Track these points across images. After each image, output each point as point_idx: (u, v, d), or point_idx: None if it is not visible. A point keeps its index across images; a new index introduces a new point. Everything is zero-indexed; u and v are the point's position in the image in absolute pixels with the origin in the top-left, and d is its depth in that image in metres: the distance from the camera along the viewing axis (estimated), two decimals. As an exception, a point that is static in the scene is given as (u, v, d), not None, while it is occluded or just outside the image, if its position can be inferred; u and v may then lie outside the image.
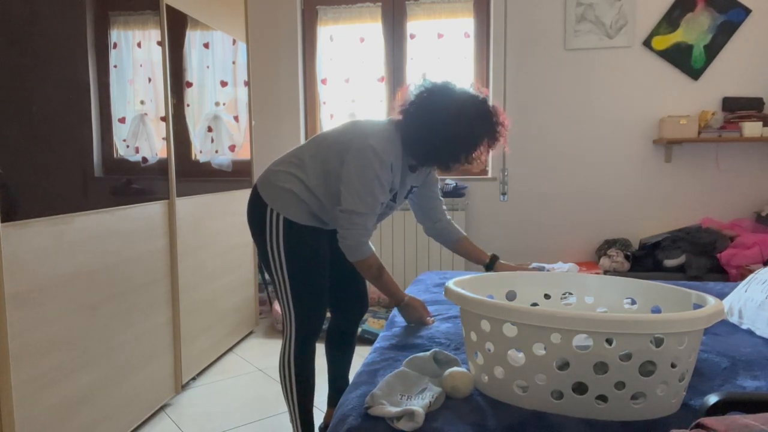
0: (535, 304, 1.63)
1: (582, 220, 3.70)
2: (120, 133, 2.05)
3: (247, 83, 3.29)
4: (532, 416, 1.16)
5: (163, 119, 2.36)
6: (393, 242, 3.72)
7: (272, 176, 1.78)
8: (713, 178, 3.55)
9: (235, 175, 3.10)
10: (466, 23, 3.77)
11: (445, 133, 1.62)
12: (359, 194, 1.63)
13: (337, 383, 2.06)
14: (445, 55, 3.78)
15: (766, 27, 3.42)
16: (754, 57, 3.44)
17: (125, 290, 2.07)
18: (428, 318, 1.77)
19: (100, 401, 1.93)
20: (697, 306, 1.32)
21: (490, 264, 1.97)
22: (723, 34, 3.43)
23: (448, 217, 2.05)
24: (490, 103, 1.69)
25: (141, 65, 2.20)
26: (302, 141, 3.84)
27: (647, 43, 3.51)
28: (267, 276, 1.87)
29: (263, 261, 1.81)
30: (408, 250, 3.71)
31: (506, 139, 1.71)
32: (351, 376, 2.08)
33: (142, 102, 2.20)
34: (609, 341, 1.12)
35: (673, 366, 1.15)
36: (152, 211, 2.26)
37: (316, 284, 1.78)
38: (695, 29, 3.46)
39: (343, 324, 2.02)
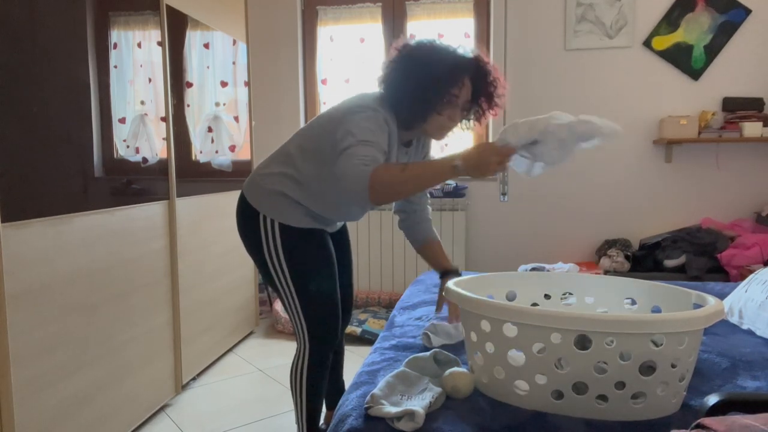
0: (535, 305, 1.63)
1: (582, 221, 3.70)
2: (120, 134, 2.05)
3: (247, 83, 3.29)
4: (532, 416, 1.16)
5: (164, 119, 2.36)
6: (393, 243, 3.72)
7: (260, 180, 1.67)
8: (713, 178, 3.55)
9: (236, 175, 3.10)
10: (466, 23, 3.77)
11: (425, 76, 1.48)
12: (353, 132, 1.44)
13: (333, 384, 2.04)
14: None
15: (766, 27, 3.42)
16: (755, 57, 3.44)
17: (125, 290, 2.07)
18: (503, 154, 1.39)
19: (101, 401, 1.93)
20: (697, 306, 1.32)
21: (445, 273, 1.80)
22: (723, 34, 3.43)
23: (429, 216, 1.91)
24: (475, 51, 1.57)
25: (141, 65, 2.20)
26: (302, 141, 3.82)
27: (647, 44, 3.51)
28: (272, 288, 1.74)
29: (263, 273, 1.69)
30: (408, 251, 3.71)
31: (502, 93, 1.57)
32: (351, 377, 2.07)
33: (142, 102, 2.20)
34: (609, 341, 1.12)
35: (673, 366, 1.15)
36: (152, 211, 2.26)
37: (326, 291, 1.66)
38: (695, 29, 3.46)
39: None
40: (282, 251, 1.63)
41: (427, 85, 1.49)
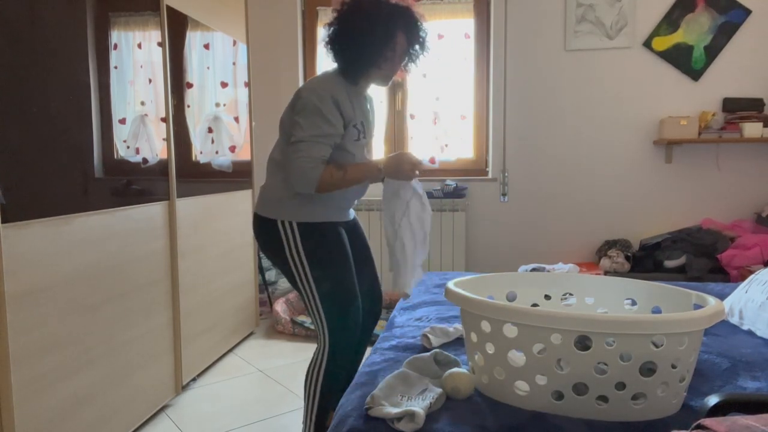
0: (535, 305, 1.63)
1: (582, 221, 3.70)
2: (120, 134, 2.05)
3: (247, 84, 3.29)
4: (532, 417, 1.16)
5: (164, 120, 2.36)
6: (393, 243, 3.72)
7: (266, 194, 1.79)
8: (713, 178, 3.55)
9: (236, 176, 3.10)
10: (466, 24, 3.77)
11: (361, 39, 1.68)
12: (302, 126, 1.65)
13: (346, 384, 2.04)
14: (445, 55, 3.78)
15: (766, 27, 3.42)
16: (755, 57, 3.44)
17: (126, 291, 2.07)
18: (415, 163, 1.73)
19: (101, 402, 1.93)
20: (697, 306, 1.32)
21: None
22: (723, 34, 3.44)
23: None
24: (405, 3, 1.72)
25: (141, 66, 2.20)
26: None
27: (647, 44, 3.51)
28: (299, 297, 1.84)
29: (289, 278, 1.77)
30: (408, 251, 3.71)
31: (422, 38, 1.76)
32: (351, 377, 2.07)
33: (142, 103, 2.21)
34: (609, 342, 1.12)
35: (673, 367, 1.15)
36: (152, 211, 2.26)
37: (345, 285, 1.73)
38: (695, 30, 3.46)
39: None
40: (303, 249, 1.71)
41: (363, 51, 1.70)
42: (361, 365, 1.52)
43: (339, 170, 1.67)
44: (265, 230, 1.76)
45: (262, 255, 3.44)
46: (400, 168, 1.72)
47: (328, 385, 1.76)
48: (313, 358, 1.79)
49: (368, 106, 1.88)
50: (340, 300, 1.73)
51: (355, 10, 1.71)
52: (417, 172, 1.75)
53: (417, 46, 1.77)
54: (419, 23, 1.74)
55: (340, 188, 1.71)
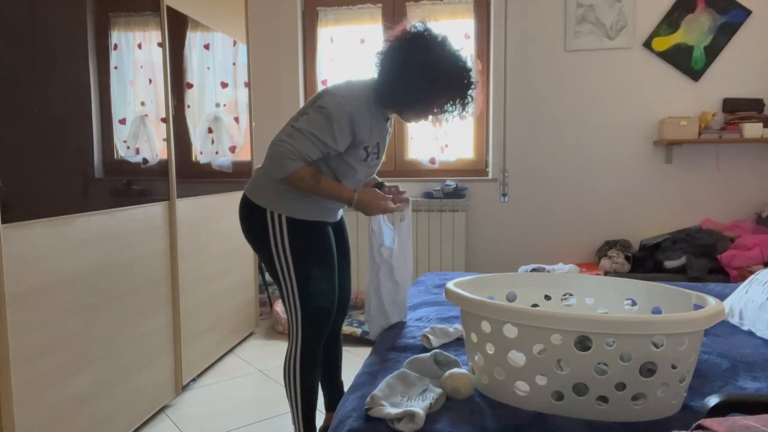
0: (535, 305, 1.63)
1: (582, 221, 3.70)
2: (120, 135, 2.06)
3: (247, 84, 3.29)
4: (532, 417, 1.16)
5: (164, 120, 2.36)
6: (393, 243, 3.71)
7: (261, 180, 1.74)
8: (713, 179, 3.55)
9: (236, 176, 3.10)
10: (466, 24, 3.77)
11: (416, 82, 1.62)
12: (310, 120, 1.62)
13: (332, 385, 2.04)
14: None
15: (766, 28, 3.42)
16: (755, 58, 3.44)
17: (126, 291, 2.07)
18: (390, 204, 1.73)
19: (101, 402, 1.93)
20: (697, 307, 1.32)
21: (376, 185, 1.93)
22: (723, 35, 3.44)
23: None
24: (468, 62, 1.68)
25: (141, 66, 2.20)
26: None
27: (647, 45, 3.51)
28: (275, 284, 1.83)
29: (268, 267, 1.76)
30: (408, 251, 3.71)
31: (473, 102, 1.76)
32: (351, 378, 2.07)
33: (142, 103, 2.21)
34: (609, 342, 1.12)
35: (673, 367, 1.15)
36: (153, 212, 2.26)
37: (325, 282, 1.74)
38: (695, 30, 3.46)
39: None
40: (288, 244, 1.70)
41: (407, 94, 1.66)
42: (360, 366, 1.52)
43: (313, 178, 1.63)
44: (253, 216, 1.74)
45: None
46: (371, 204, 1.72)
47: (308, 378, 1.77)
48: (286, 355, 1.79)
49: (389, 127, 1.85)
50: (319, 298, 1.73)
51: (424, 53, 1.62)
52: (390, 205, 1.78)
53: (458, 106, 1.72)
54: (473, 88, 1.71)
55: (304, 191, 1.68)
